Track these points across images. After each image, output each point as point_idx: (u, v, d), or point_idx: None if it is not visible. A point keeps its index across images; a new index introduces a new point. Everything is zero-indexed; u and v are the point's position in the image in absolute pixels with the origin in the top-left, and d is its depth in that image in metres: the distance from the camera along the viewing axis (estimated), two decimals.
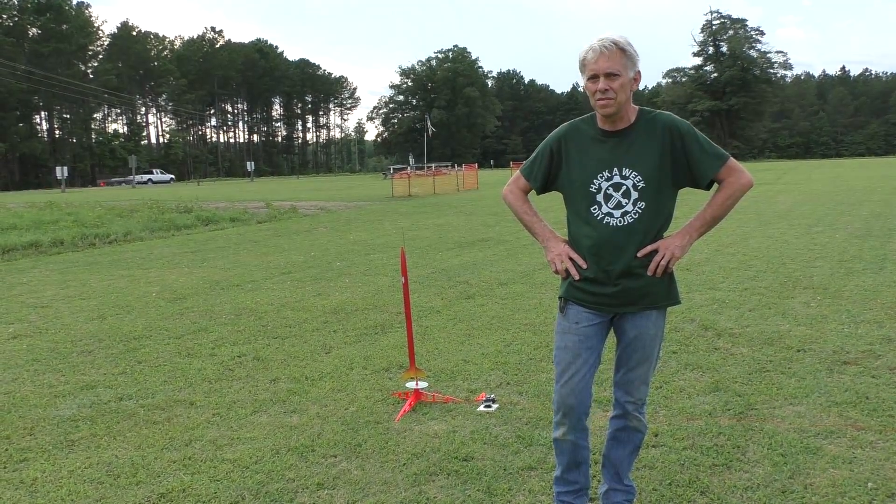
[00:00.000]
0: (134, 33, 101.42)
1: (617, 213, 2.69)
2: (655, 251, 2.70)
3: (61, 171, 57.60)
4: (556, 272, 2.84)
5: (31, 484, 3.55)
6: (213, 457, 3.79)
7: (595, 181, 2.71)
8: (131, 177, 68.04)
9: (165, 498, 3.35)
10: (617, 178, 2.69)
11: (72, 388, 5.03)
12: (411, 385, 4.54)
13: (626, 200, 2.68)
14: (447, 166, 50.16)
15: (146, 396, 4.81)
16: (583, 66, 2.66)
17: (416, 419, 4.24)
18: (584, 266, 2.76)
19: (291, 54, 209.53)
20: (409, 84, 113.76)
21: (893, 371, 4.79)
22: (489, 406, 4.36)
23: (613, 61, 2.59)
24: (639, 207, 2.68)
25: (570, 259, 2.78)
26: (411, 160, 68.12)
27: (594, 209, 2.71)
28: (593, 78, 2.62)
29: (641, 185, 2.67)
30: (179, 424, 4.28)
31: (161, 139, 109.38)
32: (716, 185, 2.77)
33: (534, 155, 2.91)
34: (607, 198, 2.70)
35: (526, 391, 4.65)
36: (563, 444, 2.89)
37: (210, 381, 5.10)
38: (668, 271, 2.73)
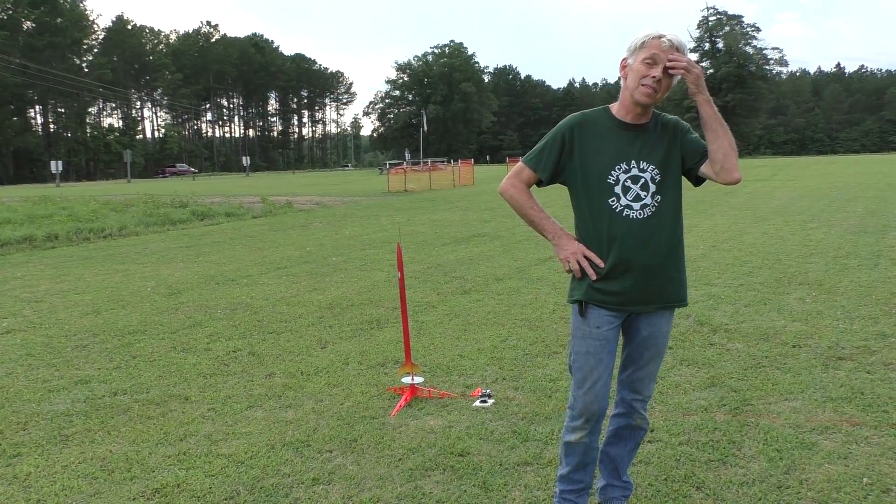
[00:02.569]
0: (129, 27, 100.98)
1: (636, 205, 2.63)
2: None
3: (56, 166, 57.36)
4: (570, 271, 2.74)
5: (25, 479, 3.54)
6: (207, 452, 3.78)
7: (613, 172, 2.65)
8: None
9: (160, 493, 3.34)
10: (635, 171, 2.64)
11: (66, 382, 5.01)
12: (407, 380, 4.53)
13: (645, 193, 2.64)
14: (443, 162, 50.11)
15: (141, 391, 4.79)
16: (642, 46, 2.59)
17: (411, 414, 4.23)
18: (601, 265, 2.68)
19: (287, 49, 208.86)
20: (406, 79, 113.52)
21: (888, 367, 4.80)
22: (485, 401, 4.36)
23: None
24: (656, 200, 2.65)
25: (586, 258, 2.69)
26: (407, 155, 68.00)
27: (612, 201, 2.64)
28: (651, 61, 2.56)
29: (659, 178, 2.64)
30: (174, 419, 4.27)
31: (156, 134, 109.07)
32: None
33: (542, 144, 2.78)
34: (626, 190, 2.64)
35: (522, 386, 4.65)
36: (576, 446, 2.85)
37: (205, 376, 5.08)
38: (687, 67, 2.52)
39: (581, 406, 2.78)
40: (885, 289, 7.25)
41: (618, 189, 2.64)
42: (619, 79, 2.73)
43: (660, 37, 2.57)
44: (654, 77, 2.55)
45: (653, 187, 2.65)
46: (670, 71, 2.56)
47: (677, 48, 2.57)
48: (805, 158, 72.56)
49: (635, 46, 2.62)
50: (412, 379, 4.53)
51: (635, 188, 2.64)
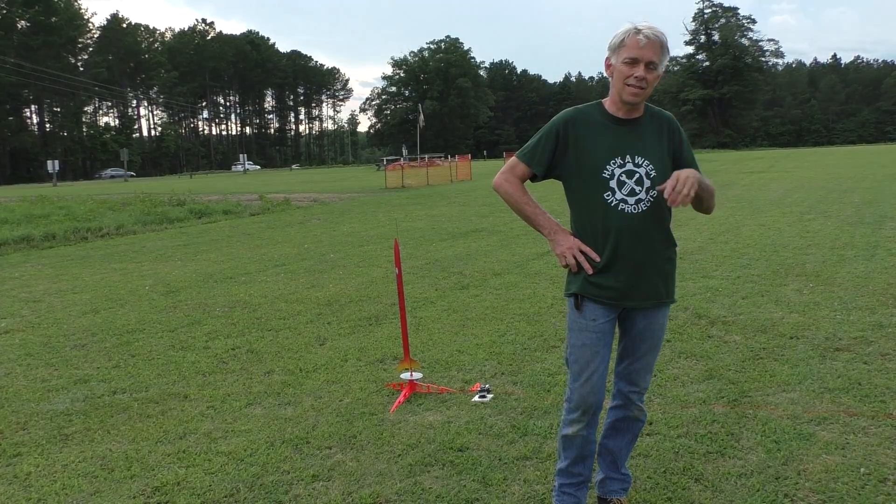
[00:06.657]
0: (124, 25, 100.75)
1: (631, 200, 2.64)
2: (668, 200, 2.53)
3: (52, 165, 57.28)
4: (566, 266, 2.74)
5: (25, 478, 3.54)
6: (207, 449, 3.78)
7: (608, 167, 2.65)
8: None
9: (160, 491, 3.35)
10: (630, 166, 2.65)
11: (65, 382, 5.01)
12: (406, 376, 4.54)
13: (640, 188, 2.64)
14: (440, 157, 50.10)
15: (140, 390, 4.80)
16: (621, 44, 2.59)
17: (410, 410, 4.24)
18: (597, 259, 2.68)
19: (283, 46, 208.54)
20: (402, 75, 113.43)
21: (885, 357, 4.82)
22: (484, 396, 4.37)
23: (657, 54, 2.57)
24: (651, 196, 2.65)
25: (582, 252, 2.69)
26: (404, 151, 67.91)
27: (608, 196, 2.65)
28: (632, 62, 2.57)
29: (653, 173, 2.65)
30: (173, 418, 4.27)
31: (153, 132, 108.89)
32: None
33: (536, 139, 2.78)
34: (621, 184, 2.64)
35: (520, 381, 4.66)
36: (574, 439, 2.85)
37: (204, 374, 5.09)
38: (687, 193, 2.48)
39: (578, 398, 2.79)
40: (882, 279, 7.26)
41: (613, 183, 2.65)
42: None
43: (637, 32, 2.57)
44: (636, 77, 2.56)
45: (647, 182, 2.65)
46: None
47: (654, 41, 2.55)
48: (801, 150, 72.55)
49: (615, 45, 2.62)
50: (411, 375, 4.54)
51: (630, 183, 2.65)
